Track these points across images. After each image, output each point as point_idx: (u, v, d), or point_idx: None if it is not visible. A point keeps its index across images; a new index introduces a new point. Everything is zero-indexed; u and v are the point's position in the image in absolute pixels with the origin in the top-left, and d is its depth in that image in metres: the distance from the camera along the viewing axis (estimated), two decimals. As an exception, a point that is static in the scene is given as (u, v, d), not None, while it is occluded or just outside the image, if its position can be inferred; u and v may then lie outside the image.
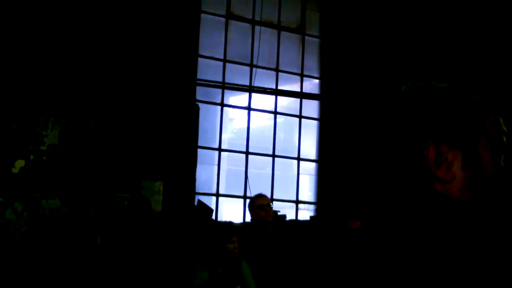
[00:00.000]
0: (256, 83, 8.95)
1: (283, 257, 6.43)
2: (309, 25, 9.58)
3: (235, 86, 8.85)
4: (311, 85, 9.59)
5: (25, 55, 7.12)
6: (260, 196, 6.74)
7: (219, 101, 8.77)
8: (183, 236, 7.06)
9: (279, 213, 8.22)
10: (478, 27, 8.72)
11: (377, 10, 9.48)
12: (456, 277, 1.38)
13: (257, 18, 9.08)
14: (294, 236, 7.17)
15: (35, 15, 7.19)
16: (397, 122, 1.61)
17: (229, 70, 8.83)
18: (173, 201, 7.72)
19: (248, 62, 8.99)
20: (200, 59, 8.47)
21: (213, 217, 8.03)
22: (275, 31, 9.28)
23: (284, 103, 9.49)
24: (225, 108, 8.85)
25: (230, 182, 9.08)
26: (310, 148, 9.50)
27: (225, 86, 8.74)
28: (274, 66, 9.22)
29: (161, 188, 7.67)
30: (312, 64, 9.57)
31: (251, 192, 8.38)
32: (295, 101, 9.45)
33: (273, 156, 9.12)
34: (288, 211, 8.80)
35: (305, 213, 9.26)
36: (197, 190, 8.25)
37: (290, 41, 9.44)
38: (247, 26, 9.06)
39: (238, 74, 8.91)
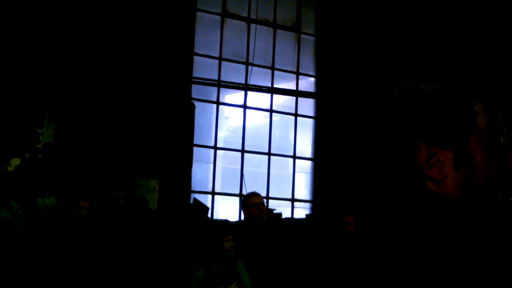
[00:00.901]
0: (252, 81, 8.95)
1: (278, 255, 6.44)
2: (304, 23, 9.59)
3: (231, 84, 8.85)
4: (307, 83, 9.60)
5: (20, 53, 7.10)
6: (253, 194, 6.74)
7: (214, 99, 8.77)
8: (179, 234, 7.05)
9: (274, 211, 8.23)
10: (473, 25, 8.74)
11: (373, 8, 9.48)
12: (449, 274, 1.38)
13: (252, 16, 9.08)
14: (289, 234, 7.18)
15: (30, 13, 7.18)
16: (388, 123, 1.62)
17: (224, 68, 8.83)
18: (169, 199, 7.72)
19: (244, 60, 8.99)
20: (195, 57, 8.47)
21: (209, 215, 8.03)
22: (270, 29, 9.29)
23: (280, 101, 9.50)
24: (220, 106, 8.85)
25: (226, 180, 9.08)
26: (305, 146, 9.51)
27: (220, 84, 8.74)
28: (269, 64, 9.22)
29: (157, 186, 7.67)
30: (308, 62, 9.58)
31: (247, 190, 8.38)
32: (290, 99, 9.45)
33: (269, 154, 9.13)
34: (283, 209, 8.81)
35: (301, 211, 9.27)
36: (192, 188, 8.25)
37: (285, 39, 9.44)
38: (243, 24, 9.06)
39: (233, 72, 8.91)
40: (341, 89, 9.39)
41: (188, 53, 8.28)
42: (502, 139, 1.55)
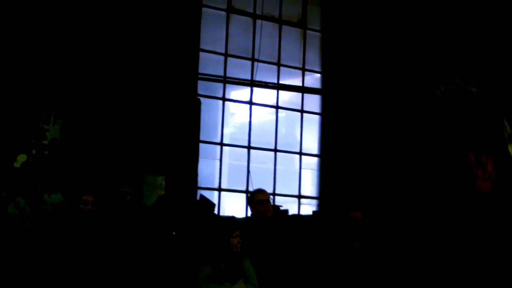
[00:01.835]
0: (258, 77, 8.92)
1: (285, 252, 6.43)
2: (310, 19, 9.56)
3: (237, 80, 8.82)
4: (313, 80, 9.57)
5: (27, 50, 7.09)
6: (258, 191, 6.71)
7: (220, 95, 8.75)
8: (186, 231, 7.05)
9: (281, 208, 8.21)
10: (478, 21, 8.69)
11: (379, 4, 9.45)
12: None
13: (258, 12, 9.05)
14: (296, 230, 7.17)
15: (37, 10, 7.17)
16: (436, 125, 1.68)
17: (230, 64, 8.81)
18: (175, 195, 7.70)
19: (250, 56, 8.97)
20: (201, 53, 8.45)
21: (215, 211, 8.01)
22: (276, 25, 9.26)
23: (286, 97, 9.47)
24: (226, 103, 8.83)
25: (232, 176, 9.06)
26: (312, 143, 9.48)
27: (226, 80, 8.72)
28: (275, 60, 9.19)
29: (163, 183, 7.65)
30: (314, 58, 9.55)
31: (253, 187, 8.35)
32: (296, 96, 9.42)
33: (275, 150, 9.10)
34: (290, 206, 8.79)
35: (308, 208, 9.24)
36: (199, 185, 8.23)
37: (291, 35, 9.41)
38: (249, 20, 9.03)
39: (239, 68, 8.89)
40: (347, 85, 9.36)
41: (194, 49, 8.26)
42: None
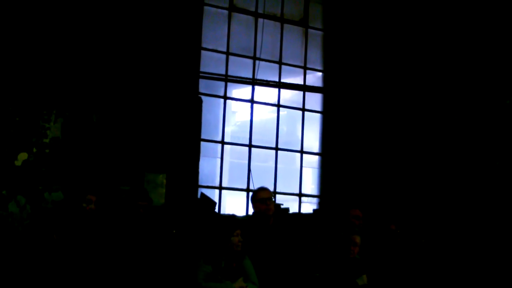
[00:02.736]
0: (259, 76, 8.93)
1: (285, 250, 6.44)
2: (312, 17, 9.55)
3: (238, 79, 8.83)
4: (314, 78, 9.57)
5: (28, 48, 7.10)
6: (261, 189, 6.74)
7: (222, 94, 8.75)
8: (187, 229, 7.06)
9: (282, 206, 8.22)
10: (479, 23, 8.69)
11: (380, 2, 9.45)
12: None
13: (260, 10, 9.06)
14: (297, 229, 7.18)
15: (37, 8, 7.18)
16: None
17: (232, 62, 8.81)
18: (176, 194, 7.72)
19: (251, 54, 8.97)
20: (203, 52, 8.45)
21: (216, 210, 8.02)
22: (278, 24, 9.26)
23: (287, 96, 9.48)
24: (228, 101, 8.84)
25: (233, 175, 9.07)
26: (313, 141, 9.49)
27: (228, 78, 8.72)
28: (277, 59, 9.20)
29: (164, 181, 7.67)
30: (315, 57, 9.55)
31: (254, 185, 8.37)
32: (298, 94, 9.43)
33: (276, 149, 9.11)
34: (291, 204, 8.80)
35: (308, 206, 9.26)
36: (200, 183, 8.25)
37: (293, 34, 9.41)
38: (250, 18, 9.03)
39: (241, 67, 8.89)
40: (348, 84, 9.37)
41: (195, 48, 8.27)
42: None
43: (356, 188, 9.05)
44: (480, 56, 8.55)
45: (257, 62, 8.96)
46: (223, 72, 8.70)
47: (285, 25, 9.31)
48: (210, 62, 8.59)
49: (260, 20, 9.05)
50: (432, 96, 9.01)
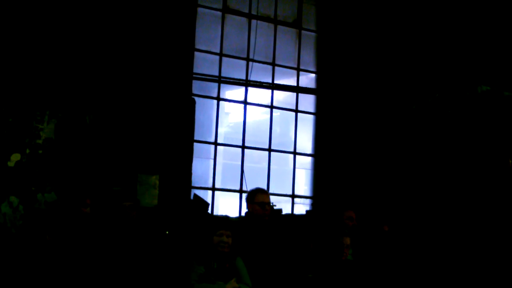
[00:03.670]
0: (253, 77, 8.94)
1: (278, 251, 6.45)
2: (305, 19, 9.57)
3: (232, 80, 8.84)
4: (307, 79, 9.59)
5: (21, 49, 7.10)
6: (261, 191, 6.66)
7: (215, 95, 8.76)
8: (179, 230, 7.07)
9: (275, 207, 8.23)
10: (475, 25, 8.72)
11: (374, 4, 9.47)
12: None
13: (253, 12, 9.07)
14: (290, 230, 7.19)
15: (31, 9, 7.17)
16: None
17: (225, 64, 8.82)
18: (169, 195, 7.72)
19: (245, 56, 8.98)
20: (196, 53, 8.46)
21: (209, 211, 8.03)
22: (271, 25, 9.28)
23: (281, 97, 9.49)
24: (221, 102, 8.84)
25: (226, 176, 9.08)
26: (306, 142, 9.51)
27: (221, 80, 8.73)
28: (270, 60, 9.21)
29: (157, 182, 7.67)
30: (309, 58, 9.58)
31: (247, 186, 8.38)
32: (291, 95, 9.45)
33: (269, 150, 9.13)
34: (284, 205, 8.81)
35: (301, 207, 9.27)
36: (193, 184, 8.25)
37: (286, 35, 9.43)
38: (244, 20, 9.04)
39: (234, 68, 8.90)
40: (341, 85, 9.39)
41: (188, 49, 8.27)
42: None
43: (349, 189, 9.07)
44: (478, 60, 8.57)
45: (250, 63, 8.97)
46: (216, 73, 8.71)
47: (279, 27, 9.33)
48: (203, 63, 8.60)
49: (254, 22, 9.07)
50: (426, 98, 9.04)
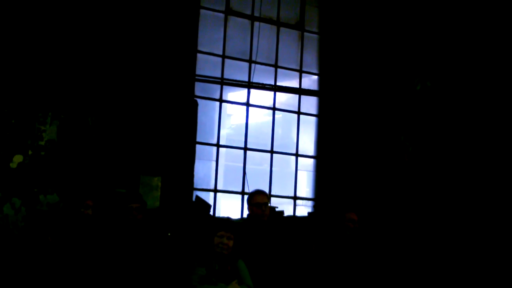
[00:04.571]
0: (255, 79, 8.95)
1: (280, 253, 6.45)
2: (308, 21, 9.58)
3: (234, 82, 8.85)
4: (310, 81, 9.60)
5: (24, 50, 7.11)
6: (258, 193, 6.69)
7: (217, 97, 8.77)
8: (182, 232, 7.08)
9: (277, 209, 8.23)
10: (476, 24, 8.71)
11: (376, 6, 9.47)
12: None
13: (256, 14, 9.08)
14: (291, 232, 7.19)
15: (33, 10, 7.19)
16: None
17: (228, 66, 8.83)
18: (171, 196, 7.73)
19: (247, 58, 8.99)
20: (199, 55, 8.47)
21: (211, 212, 8.04)
22: (274, 27, 9.28)
23: (283, 99, 9.49)
24: (223, 104, 8.85)
25: (228, 178, 9.08)
26: (308, 144, 9.51)
27: (223, 82, 8.74)
28: (273, 62, 9.22)
29: (159, 184, 7.68)
30: (311, 60, 9.58)
31: (249, 188, 8.39)
32: (293, 97, 9.45)
33: (271, 152, 9.13)
34: (286, 207, 8.82)
35: (303, 209, 9.28)
36: (195, 186, 8.26)
37: (289, 37, 9.44)
38: (246, 22, 9.05)
39: (236, 70, 8.91)
40: (344, 87, 9.39)
41: (191, 51, 8.29)
42: None
43: (351, 191, 9.06)
44: (484, 60, 8.55)
45: (253, 65, 8.98)
46: (219, 75, 8.72)
47: (281, 29, 9.34)
48: (206, 65, 8.61)
49: (256, 24, 9.07)
50: (427, 100, 9.03)
